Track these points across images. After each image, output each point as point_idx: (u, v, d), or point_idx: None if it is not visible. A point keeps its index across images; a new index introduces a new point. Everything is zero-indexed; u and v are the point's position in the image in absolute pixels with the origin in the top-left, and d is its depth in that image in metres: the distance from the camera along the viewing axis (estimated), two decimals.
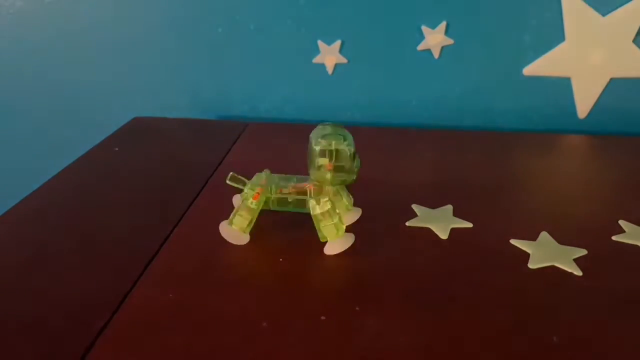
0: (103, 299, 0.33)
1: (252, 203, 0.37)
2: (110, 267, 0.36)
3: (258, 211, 0.38)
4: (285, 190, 0.38)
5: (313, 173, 0.36)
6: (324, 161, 0.35)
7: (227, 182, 0.38)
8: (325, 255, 0.37)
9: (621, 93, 0.61)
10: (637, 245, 0.38)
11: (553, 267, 0.36)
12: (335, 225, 0.36)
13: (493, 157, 0.55)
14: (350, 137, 0.36)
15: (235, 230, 0.38)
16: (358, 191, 0.41)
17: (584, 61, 0.60)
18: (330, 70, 0.66)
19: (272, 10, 0.64)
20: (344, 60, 0.65)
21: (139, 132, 0.62)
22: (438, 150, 0.56)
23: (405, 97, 0.66)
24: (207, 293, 0.34)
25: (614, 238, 0.39)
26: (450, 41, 0.62)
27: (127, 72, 0.70)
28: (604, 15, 0.58)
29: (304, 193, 0.38)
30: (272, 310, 0.32)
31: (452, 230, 0.40)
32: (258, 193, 0.37)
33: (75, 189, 0.48)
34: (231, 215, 0.38)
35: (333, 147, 0.35)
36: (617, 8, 0.58)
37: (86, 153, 0.55)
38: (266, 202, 0.39)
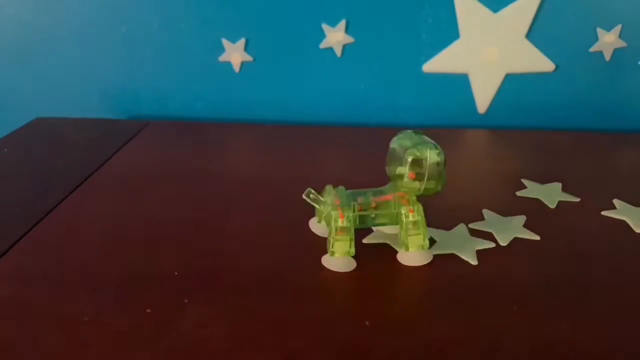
0: None
1: (343, 222, 0.34)
2: None
3: (353, 227, 0.35)
4: (367, 207, 0.35)
5: (400, 182, 0.34)
6: (413, 170, 0.33)
7: (304, 197, 0.35)
8: (158, 244, 0.38)
9: (517, 88, 0.63)
10: (489, 232, 0.39)
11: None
12: (423, 236, 0.35)
13: None
14: (438, 145, 0.34)
15: (340, 258, 0.35)
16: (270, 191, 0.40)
17: (479, 58, 0.62)
18: (237, 68, 0.66)
19: (174, 9, 0.64)
20: (250, 59, 0.65)
21: (37, 132, 0.61)
22: (343, 147, 0.57)
23: (312, 94, 0.67)
24: (43, 291, 0.33)
25: (470, 225, 0.40)
26: (351, 39, 0.63)
27: (34, 73, 0.69)
28: (495, 12, 0.59)
29: (387, 206, 0.35)
30: (98, 305, 0.32)
31: None
32: (341, 212, 0.34)
33: None
34: (328, 246, 0.35)
35: (427, 156, 0.33)
36: (508, 4, 0.59)
37: None
38: None
